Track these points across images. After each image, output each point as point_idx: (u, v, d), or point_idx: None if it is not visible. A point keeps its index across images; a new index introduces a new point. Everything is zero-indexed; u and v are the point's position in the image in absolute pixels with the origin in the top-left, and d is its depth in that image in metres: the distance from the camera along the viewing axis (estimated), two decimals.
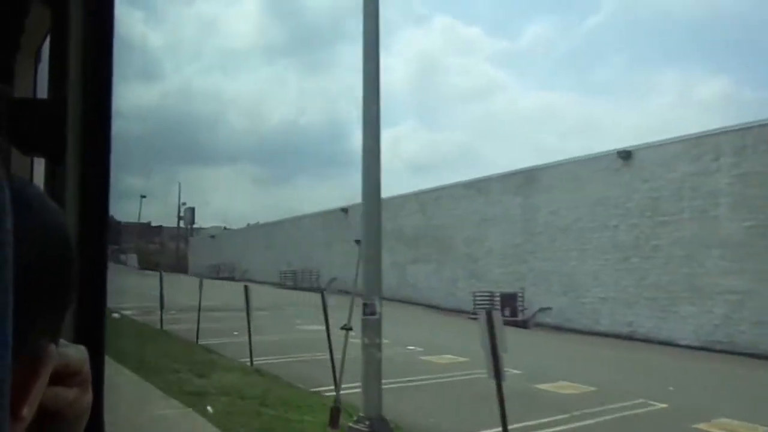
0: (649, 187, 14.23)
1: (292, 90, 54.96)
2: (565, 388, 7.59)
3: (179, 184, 43.44)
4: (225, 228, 47.00)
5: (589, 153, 16.22)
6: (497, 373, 4.10)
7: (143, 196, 41.30)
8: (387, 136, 60.79)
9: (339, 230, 26.85)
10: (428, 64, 61.09)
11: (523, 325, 15.31)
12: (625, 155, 14.72)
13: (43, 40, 0.81)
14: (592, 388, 7.44)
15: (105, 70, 0.82)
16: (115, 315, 12.45)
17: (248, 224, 38.47)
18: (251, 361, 8.50)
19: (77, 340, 0.68)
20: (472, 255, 19.67)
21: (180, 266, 39.66)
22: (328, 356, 6.06)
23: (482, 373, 4.45)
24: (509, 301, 16.84)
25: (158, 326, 12.22)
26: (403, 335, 10.77)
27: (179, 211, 44.01)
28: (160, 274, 13.38)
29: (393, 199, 25.86)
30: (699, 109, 42.85)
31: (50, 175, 0.75)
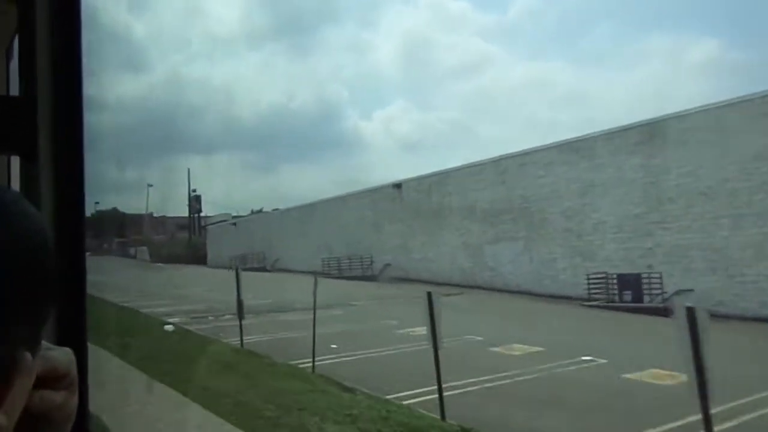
0: None
1: (281, 74, 60.00)
2: None
3: (188, 170, 45.51)
4: (234, 216, 48.50)
5: (735, 96, 14.99)
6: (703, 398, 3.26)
7: (150, 185, 43.42)
8: (378, 117, 68.58)
9: (391, 209, 27.11)
10: (416, 42, 66.54)
11: (658, 312, 13.90)
12: None
13: (12, 38, 0.93)
14: None
15: (74, 65, 0.94)
16: (168, 327, 11.83)
17: (276, 209, 40.09)
18: (442, 414, 6.60)
19: (59, 339, 0.82)
20: (573, 230, 19.20)
21: (196, 257, 41.34)
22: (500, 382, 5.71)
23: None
24: (631, 283, 16.06)
25: (235, 343, 10.30)
26: (564, 339, 10.08)
27: (190, 200, 46.38)
28: (237, 271, 11.19)
29: (459, 170, 24.68)
30: (692, 73, 46.91)
31: (25, 173, 0.88)
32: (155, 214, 49.42)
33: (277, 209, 41.23)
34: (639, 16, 55.92)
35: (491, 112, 54.08)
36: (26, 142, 0.89)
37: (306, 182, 60.95)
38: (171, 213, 50.07)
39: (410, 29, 61.83)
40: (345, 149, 61.18)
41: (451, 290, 19.74)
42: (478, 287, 21.31)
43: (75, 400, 0.48)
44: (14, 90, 0.94)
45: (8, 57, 0.97)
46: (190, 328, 12.51)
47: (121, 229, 49.20)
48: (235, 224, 41.49)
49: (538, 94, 53.65)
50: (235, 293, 10.61)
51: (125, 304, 14.46)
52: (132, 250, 44.34)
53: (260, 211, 50.98)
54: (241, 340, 10.33)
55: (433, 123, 58.58)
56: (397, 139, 62.43)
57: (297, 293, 13.21)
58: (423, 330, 7.04)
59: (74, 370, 0.48)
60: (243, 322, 10.74)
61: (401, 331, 11.52)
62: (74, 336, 0.98)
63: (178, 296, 18.26)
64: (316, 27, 72.29)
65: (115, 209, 46.45)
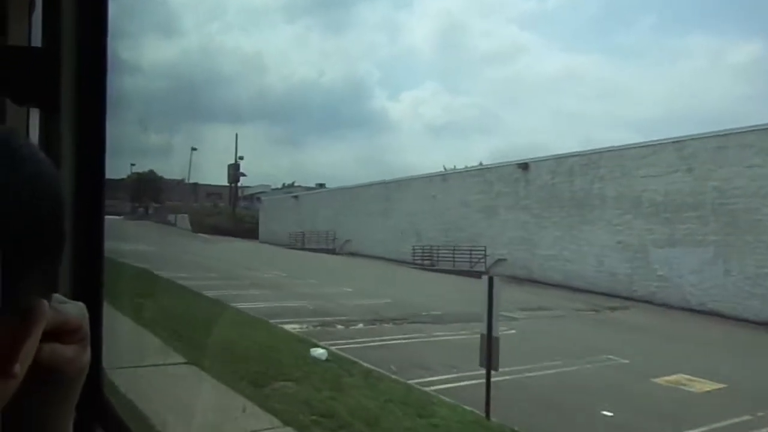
0: None
1: (313, 49, 70.31)
2: None
3: (236, 135, 49.14)
4: (284, 187, 52.22)
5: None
6: None
7: (194, 149, 46.49)
8: (407, 99, 77.94)
9: (511, 193, 26.54)
10: (451, 25, 78.13)
11: None
12: None
13: None
14: None
15: (100, 18, 1.03)
16: (318, 353, 9.01)
17: (355, 185, 41.48)
18: None
19: (75, 294, 0.91)
20: None
21: (242, 230, 44.65)
22: None
23: None
24: None
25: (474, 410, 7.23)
26: None
27: (237, 168, 50.03)
28: (491, 283, 7.41)
29: (619, 151, 22.98)
30: (733, 73, 51.96)
31: (45, 126, 1.06)
32: (186, 181, 53.07)
33: (344, 186, 43.59)
34: (682, 13, 62.78)
35: (521, 101, 63.80)
36: (48, 95, 0.99)
37: (329, 159, 73.28)
38: (202, 181, 55.49)
39: (446, 12, 72.33)
40: (371, 129, 72.09)
41: (601, 301, 18.72)
42: (637, 299, 19.87)
43: (87, 355, 0.57)
44: (36, 42, 1.11)
45: (31, 8, 1.15)
46: (345, 353, 9.60)
47: (158, 193, 52.99)
48: (296, 197, 44.76)
49: (571, 86, 62.46)
50: (406, 299, 10.36)
51: (205, 293, 13.60)
52: (171, 217, 48.05)
53: (292, 185, 55.78)
54: (487, 407, 7.19)
55: (462, 108, 69.95)
56: (425, 122, 73.92)
57: (407, 289, 12.66)
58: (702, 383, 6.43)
59: (86, 325, 0.57)
60: (357, 330, 10.78)
61: (657, 381, 9.57)
62: (91, 292, 1.15)
63: (259, 282, 17.70)
64: (353, 3, 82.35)
65: (152, 172, 50.16)
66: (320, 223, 39.27)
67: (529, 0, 74.33)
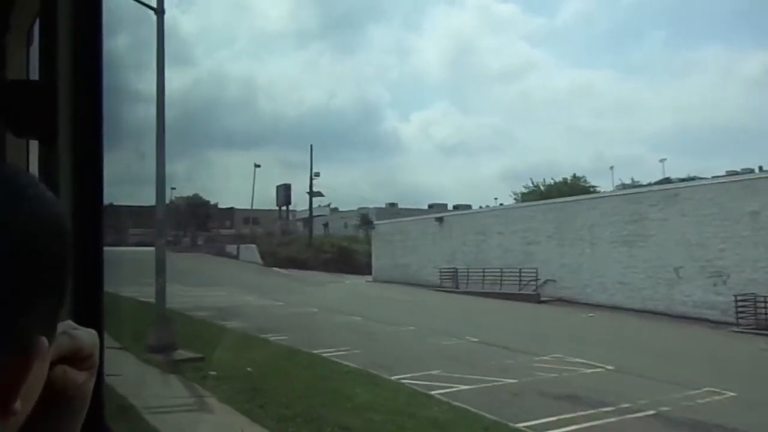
0: None
1: (324, 73, 71.49)
2: None
3: (311, 146, 44.52)
4: (363, 209, 47.33)
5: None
6: None
7: (257, 165, 44.02)
8: (417, 119, 79.41)
9: None
10: (461, 45, 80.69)
11: None
12: None
13: (34, 20, 1.14)
14: None
15: (95, 51, 1.05)
16: None
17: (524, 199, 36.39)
18: None
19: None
20: None
21: (322, 263, 37.21)
22: None
23: None
24: None
25: None
26: None
27: (311, 186, 43.97)
28: None
29: None
30: (745, 85, 54.54)
31: (44, 157, 1.09)
32: (220, 206, 50.07)
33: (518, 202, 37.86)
34: (694, 25, 63.17)
35: (533, 118, 64.74)
36: (46, 127, 1.00)
37: (341, 181, 77.10)
38: (237, 205, 52.22)
39: (456, 31, 72.63)
40: (382, 151, 71.87)
41: None
42: None
43: (92, 383, 0.59)
44: (34, 75, 1.16)
45: (28, 41, 1.21)
46: None
47: (205, 220, 48.49)
48: (440, 220, 34.22)
49: (582, 102, 64.23)
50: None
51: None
52: (230, 249, 41.67)
53: (393, 205, 50.31)
54: None
55: (473, 127, 70.42)
56: (436, 143, 74.40)
57: None
58: None
59: (97, 353, 0.59)
60: None
61: None
62: (91, 324, 1.32)
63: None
64: (364, 26, 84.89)
65: (197, 196, 46.36)
66: (492, 255, 29.25)
67: (539, 16, 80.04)
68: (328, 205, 52.37)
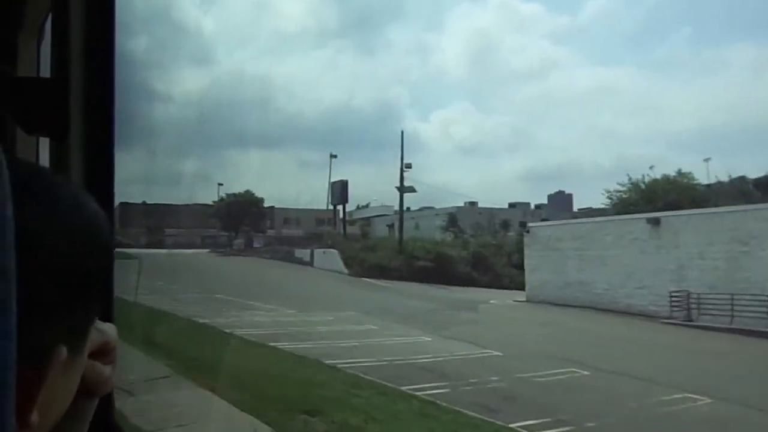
0: None
1: (344, 72, 70.94)
2: None
3: (401, 133, 39.81)
4: (465, 205, 42.90)
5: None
6: None
7: (334, 155, 41.76)
8: (437, 119, 79.01)
9: None
10: (482, 44, 79.33)
11: None
12: None
13: (45, 17, 1.14)
14: None
15: (107, 48, 1.05)
16: None
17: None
18: None
19: None
20: None
21: (417, 272, 31.49)
22: None
23: None
24: None
25: None
26: None
27: (401, 183, 37.59)
28: None
29: None
30: None
31: (55, 154, 1.09)
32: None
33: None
34: (719, 23, 61.77)
35: (553, 118, 63.49)
36: (57, 124, 1.12)
37: (361, 181, 73.89)
38: (277, 205, 49.16)
39: (477, 30, 72.79)
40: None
41: None
42: None
43: (115, 376, 0.60)
44: (45, 71, 1.16)
45: (39, 39, 1.22)
46: None
47: (259, 219, 45.03)
48: (656, 222, 24.45)
49: (604, 101, 63.15)
50: None
51: None
52: (301, 254, 36.73)
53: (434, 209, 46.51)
54: None
55: (493, 127, 70.76)
56: (455, 142, 74.11)
57: None
58: None
59: (117, 348, 0.58)
60: None
61: None
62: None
63: None
64: (383, 26, 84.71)
65: (249, 192, 42.98)
66: (762, 275, 20.27)
67: (562, 15, 78.92)
68: (396, 205, 44.29)
